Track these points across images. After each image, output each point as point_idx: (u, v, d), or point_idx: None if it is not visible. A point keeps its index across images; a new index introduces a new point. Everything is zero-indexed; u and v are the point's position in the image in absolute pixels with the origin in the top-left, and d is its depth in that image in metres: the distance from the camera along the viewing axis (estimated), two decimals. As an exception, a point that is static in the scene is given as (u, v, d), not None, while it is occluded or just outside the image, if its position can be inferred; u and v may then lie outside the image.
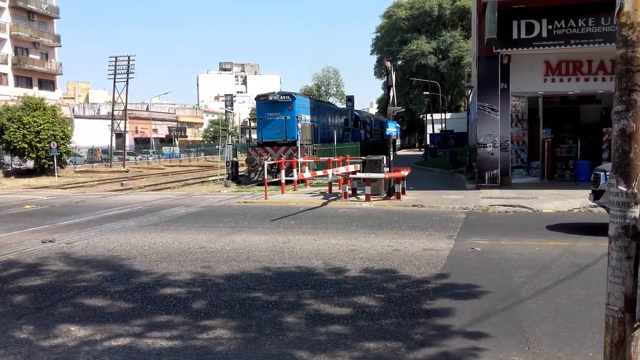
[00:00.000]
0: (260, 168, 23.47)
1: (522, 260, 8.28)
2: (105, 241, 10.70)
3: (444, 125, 55.58)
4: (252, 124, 32.29)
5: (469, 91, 29.58)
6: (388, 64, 18.94)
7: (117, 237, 11.11)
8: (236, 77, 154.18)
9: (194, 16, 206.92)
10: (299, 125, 24.53)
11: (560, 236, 10.34)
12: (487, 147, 19.12)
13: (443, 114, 57.58)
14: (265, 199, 17.40)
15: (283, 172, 19.44)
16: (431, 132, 53.28)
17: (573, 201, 14.77)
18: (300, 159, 23.39)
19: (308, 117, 27.06)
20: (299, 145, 24.01)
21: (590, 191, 11.26)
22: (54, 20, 63.24)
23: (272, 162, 23.44)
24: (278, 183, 20.72)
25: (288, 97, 25.24)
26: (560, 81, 19.05)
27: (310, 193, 19.04)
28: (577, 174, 19.96)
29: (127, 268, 8.31)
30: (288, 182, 20.07)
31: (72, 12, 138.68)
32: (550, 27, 17.80)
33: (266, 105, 25.43)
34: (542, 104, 20.67)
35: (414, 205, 15.03)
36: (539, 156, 20.64)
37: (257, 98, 26.15)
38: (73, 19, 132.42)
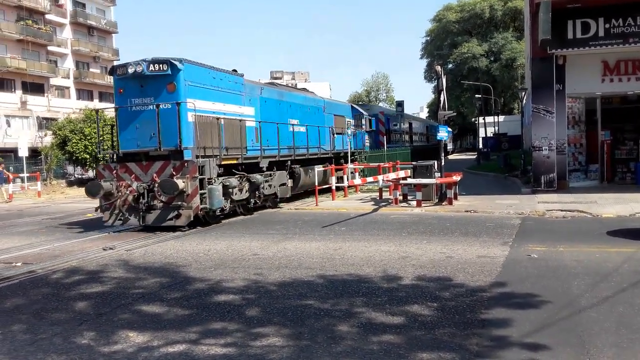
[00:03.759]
0: (119, 202, 13.39)
1: (581, 268, 8.00)
2: (162, 248, 11.00)
3: (497, 128, 54.38)
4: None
5: (523, 93, 28.92)
6: (438, 68, 18.74)
7: (173, 244, 11.41)
8: (287, 85, 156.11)
9: (246, 26, 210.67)
10: (191, 120, 13.27)
11: (622, 242, 9.94)
12: (542, 150, 18.61)
13: (496, 117, 56.32)
14: (316, 205, 17.49)
15: (334, 178, 19.44)
16: (484, 136, 52.25)
17: (635, 205, 14.18)
18: (351, 166, 22.06)
19: (226, 107, 14.88)
20: (190, 159, 13.11)
21: (653, 195, 10.81)
22: (113, 34, 65.74)
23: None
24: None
25: (165, 67, 13.11)
26: (619, 81, 18.40)
27: (361, 199, 19.00)
28: (638, 176, 19.16)
29: (183, 275, 8.51)
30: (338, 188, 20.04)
31: (129, 26, 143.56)
32: (607, 25, 17.23)
33: (128, 83, 13.59)
34: (600, 105, 19.97)
35: (467, 211, 14.78)
36: (598, 159, 19.93)
37: (113, 71, 14.02)
38: (129, 33, 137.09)
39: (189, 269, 8.88)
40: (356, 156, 24.86)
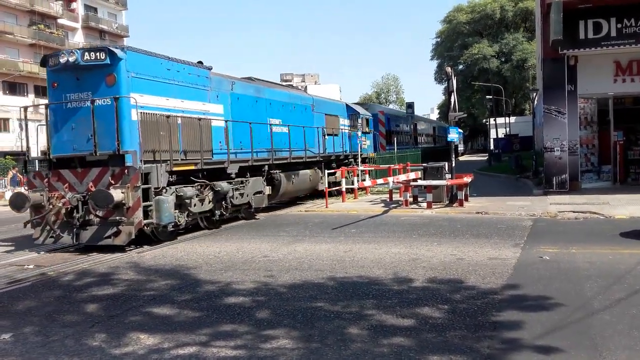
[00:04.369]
0: (52, 217, 11.31)
1: (594, 270, 7.93)
2: (173, 250, 11.04)
3: (508, 129, 54.12)
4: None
5: (534, 94, 28.73)
6: (448, 69, 18.65)
7: (184, 246, 11.44)
8: (297, 87, 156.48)
9: (256, 28, 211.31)
10: (135, 119, 11.16)
11: (635, 244, 9.83)
12: (554, 151, 18.48)
13: (507, 118, 56.05)
14: (326, 207, 17.47)
15: (344, 180, 19.40)
16: (495, 137, 51.99)
17: (649, 207, 14.04)
18: (361, 168, 22.25)
19: (185, 104, 12.87)
20: (132, 165, 11.02)
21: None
22: (124, 38, 66.07)
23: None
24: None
25: (103, 56, 11.17)
26: (631, 81, 18.24)
27: (371, 201, 18.96)
28: (652, 177, 18.97)
29: (193, 277, 8.53)
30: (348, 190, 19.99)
31: (140, 30, 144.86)
32: (619, 25, 17.09)
33: (62, 76, 11.62)
34: (613, 105, 19.81)
35: (478, 213, 14.69)
36: (610, 159, 19.76)
37: (44, 62, 11.94)
38: (141, 37, 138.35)
39: (199, 271, 8.90)
40: (350, 160, 22.92)
